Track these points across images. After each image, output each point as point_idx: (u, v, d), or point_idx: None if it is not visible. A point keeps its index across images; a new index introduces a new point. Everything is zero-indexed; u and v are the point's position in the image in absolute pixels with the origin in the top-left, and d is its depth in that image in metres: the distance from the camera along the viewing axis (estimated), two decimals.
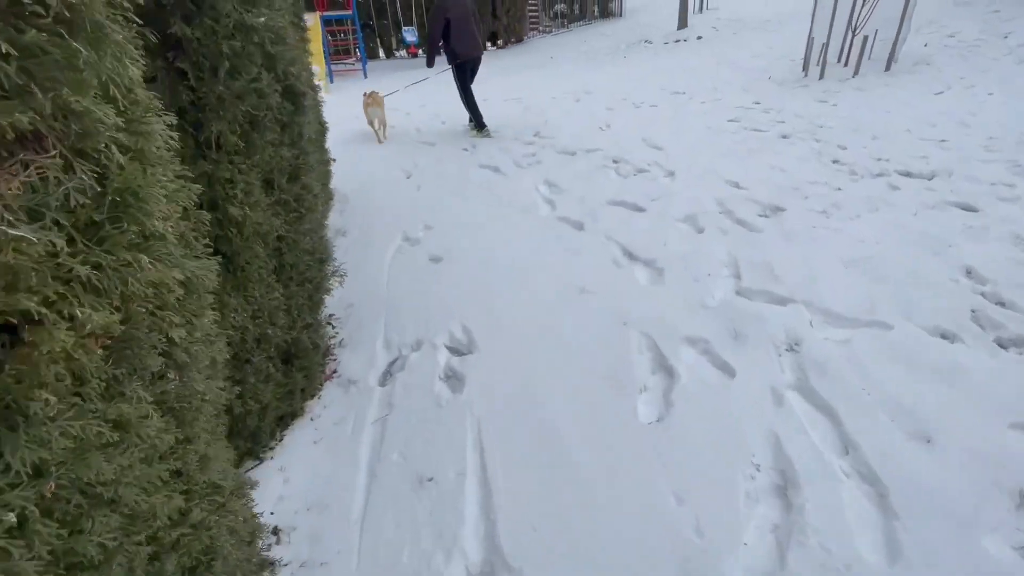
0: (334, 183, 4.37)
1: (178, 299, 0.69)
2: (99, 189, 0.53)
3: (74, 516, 0.54)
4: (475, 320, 2.47)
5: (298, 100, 1.82)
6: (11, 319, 0.48)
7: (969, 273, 2.40)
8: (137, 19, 0.69)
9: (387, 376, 2.21)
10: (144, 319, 0.62)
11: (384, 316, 2.61)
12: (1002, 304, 2.18)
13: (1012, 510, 1.42)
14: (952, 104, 4.71)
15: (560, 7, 17.75)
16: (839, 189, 3.39)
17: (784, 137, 4.57)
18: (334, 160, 4.35)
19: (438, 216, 3.71)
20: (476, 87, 5.94)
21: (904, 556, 1.34)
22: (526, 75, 10.74)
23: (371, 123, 5.97)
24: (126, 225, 0.56)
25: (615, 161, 4.43)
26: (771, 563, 1.38)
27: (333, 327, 2.58)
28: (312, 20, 10.33)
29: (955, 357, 1.94)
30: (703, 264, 2.73)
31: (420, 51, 14.19)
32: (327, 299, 2.52)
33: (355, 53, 13.48)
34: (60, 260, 0.49)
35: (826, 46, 6.38)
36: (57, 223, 0.49)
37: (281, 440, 1.86)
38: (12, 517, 0.48)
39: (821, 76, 6.32)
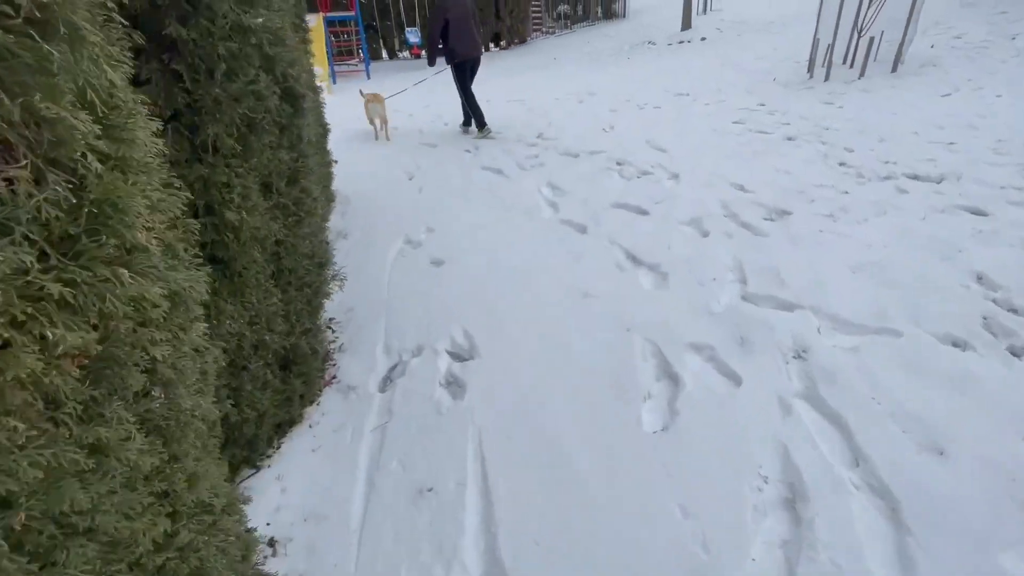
0: (336, 185, 4.35)
1: (164, 313, 0.65)
2: (75, 200, 0.50)
3: (47, 548, 0.51)
4: (477, 325, 2.44)
5: (297, 102, 1.80)
6: None
7: (980, 279, 2.36)
8: (123, 20, 0.65)
9: (387, 382, 2.18)
10: (125, 336, 0.59)
11: (385, 320, 2.58)
12: (1014, 311, 2.13)
13: None
14: (960, 106, 4.66)
15: (563, 8, 17.73)
16: (846, 192, 3.34)
17: (789, 139, 4.53)
18: (336, 162, 4.33)
19: (440, 218, 3.68)
20: (479, 88, 5.93)
21: (917, 572, 1.30)
22: (529, 76, 10.72)
23: (371, 120, 6.00)
24: (105, 238, 0.53)
25: (618, 163, 4.39)
26: None
27: (333, 331, 2.55)
28: (315, 21, 10.33)
29: (967, 365, 1.90)
30: (708, 268, 2.69)
31: (423, 52, 14.18)
32: (327, 303, 2.49)
33: (358, 54, 13.48)
34: (30, 278, 0.46)
35: (831, 47, 6.33)
36: (28, 238, 0.46)
37: (279, 448, 1.83)
38: None
39: (826, 78, 6.28)
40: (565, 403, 1.94)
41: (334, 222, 3.83)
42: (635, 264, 2.86)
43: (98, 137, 0.53)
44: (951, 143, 3.90)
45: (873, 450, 1.61)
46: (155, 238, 0.63)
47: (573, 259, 2.96)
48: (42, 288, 0.46)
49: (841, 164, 3.83)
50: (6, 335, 0.44)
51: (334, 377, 2.20)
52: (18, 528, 0.48)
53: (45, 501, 0.49)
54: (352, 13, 12.21)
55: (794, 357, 2.04)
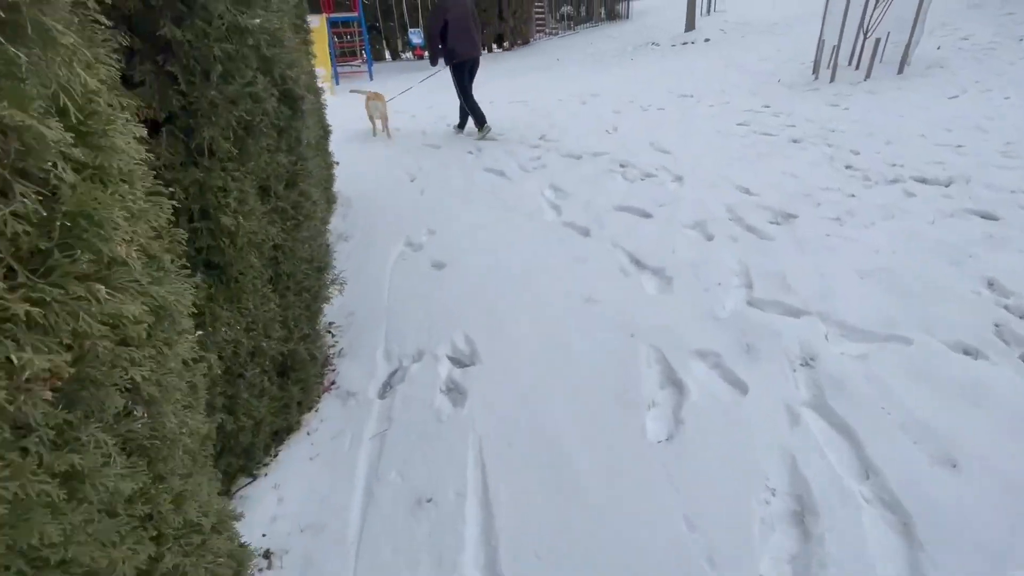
0: (337, 186, 4.32)
1: (147, 328, 0.62)
2: (45, 213, 0.47)
3: None
4: (478, 329, 2.41)
5: (296, 104, 1.77)
6: None
7: (991, 285, 2.31)
8: (105, 20, 0.62)
9: (387, 388, 2.15)
10: (103, 355, 0.56)
11: (385, 325, 2.55)
12: None
13: None
14: (967, 108, 4.61)
15: (566, 9, 17.71)
16: (853, 196, 3.30)
17: (795, 141, 4.49)
18: (337, 163, 4.30)
19: (441, 221, 3.64)
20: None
21: None
22: (532, 77, 10.69)
23: (371, 117, 6.07)
24: (79, 253, 0.50)
25: (622, 165, 4.36)
26: None
27: (333, 335, 2.52)
28: (318, 22, 10.33)
29: (979, 374, 1.85)
30: (713, 273, 2.65)
31: (426, 53, 14.18)
32: (327, 307, 2.46)
33: (361, 55, 13.47)
34: None
35: (837, 48, 6.28)
36: None
37: (276, 456, 1.80)
38: None
39: (832, 79, 6.23)
40: (567, 411, 1.90)
41: (335, 224, 3.81)
42: (639, 268, 2.82)
43: (73, 145, 0.50)
44: (959, 145, 3.86)
45: (883, 462, 1.57)
46: (137, 250, 0.60)
47: (576, 262, 2.92)
48: (7, 308, 0.44)
49: (847, 167, 3.78)
50: None
51: (333, 383, 2.16)
52: None
53: (11, 535, 0.46)
54: (355, 14, 12.20)
55: (801, 365, 2.00)
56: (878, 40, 6.03)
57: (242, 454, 1.63)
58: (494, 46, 15.99)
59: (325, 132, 3.86)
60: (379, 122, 6.11)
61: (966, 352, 1.98)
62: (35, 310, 0.45)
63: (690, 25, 12.90)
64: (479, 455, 1.74)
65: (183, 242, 0.83)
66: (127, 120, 0.67)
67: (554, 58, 13.21)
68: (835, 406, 1.78)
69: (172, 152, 1.32)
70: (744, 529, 1.43)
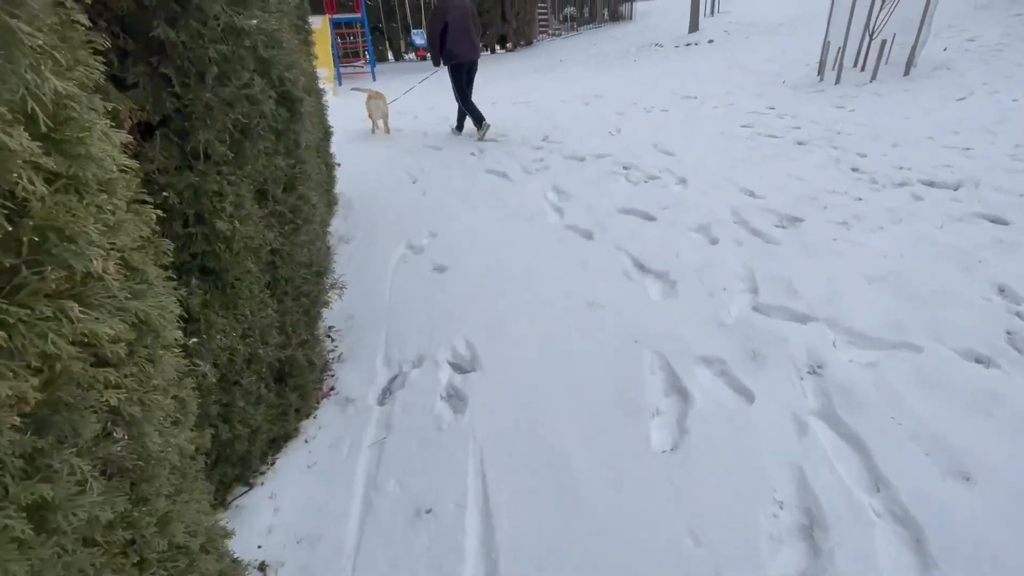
0: (339, 187, 4.30)
1: (129, 344, 0.59)
2: (11, 228, 0.44)
3: None
4: (479, 334, 2.37)
5: (295, 106, 1.74)
6: None
7: (1002, 291, 2.27)
8: (84, 20, 0.59)
9: (386, 394, 2.11)
10: (78, 376, 0.53)
11: (385, 329, 2.52)
12: None
13: None
14: (975, 110, 4.56)
15: (570, 10, 17.68)
16: (859, 199, 3.26)
17: (800, 144, 4.44)
18: (339, 164, 4.28)
19: (443, 223, 3.61)
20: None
21: None
22: (535, 78, 10.66)
23: (371, 116, 6.19)
24: (49, 269, 0.47)
25: (625, 167, 4.32)
26: None
27: (332, 340, 2.49)
28: (321, 23, 10.32)
29: (991, 384, 1.81)
30: (718, 277, 2.61)
31: (429, 54, 14.18)
32: (327, 311, 2.43)
33: (364, 56, 13.47)
34: None
35: (842, 50, 6.24)
36: None
37: (273, 464, 1.76)
38: None
39: (837, 81, 6.18)
40: (570, 419, 1.86)
41: (336, 226, 3.78)
42: (642, 272, 2.78)
43: (47, 154, 0.46)
44: (967, 148, 3.81)
45: (894, 474, 1.53)
46: (117, 263, 0.57)
47: (578, 266, 2.89)
48: None
49: (854, 169, 3.74)
50: None
51: (332, 389, 2.13)
52: None
53: None
54: (358, 15, 12.20)
55: (809, 372, 1.96)
56: (884, 41, 5.98)
57: (238, 463, 1.60)
58: (497, 47, 15.98)
59: (326, 133, 3.83)
60: (380, 121, 6.18)
61: (977, 360, 1.93)
62: None
63: (694, 26, 12.85)
64: (479, 464, 1.71)
65: (169, 253, 0.80)
66: (110, 126, 0.64)
67: (557, 59, 13.18)
68: (844, 415, 1.74)
69: (166, 156, 1.29)
70: (751, 544, 1.39)
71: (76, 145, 0.50)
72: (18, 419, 0.47)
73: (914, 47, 5.86)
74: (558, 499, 1.58)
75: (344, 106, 7.46)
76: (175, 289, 1.32)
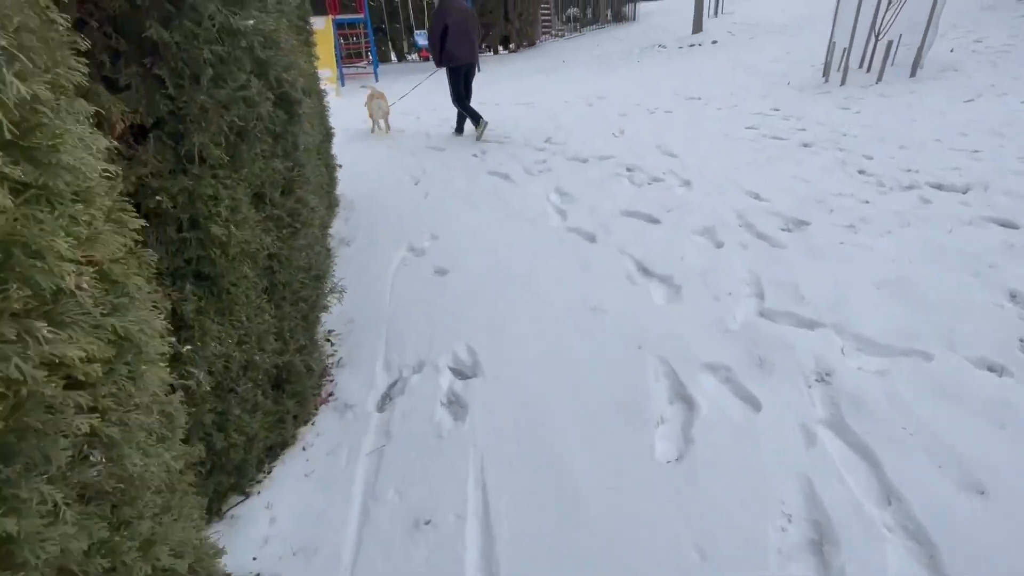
0: (340, 189, 4.28)
1: (109, 361, 0.56)
2: None
3: None
4: (480, 339, 2.34)
5: (293, 108, 1.71)
6: None
7: (1014, 297, 2.22)
8: (61, 19, 0.56)
9: (386, 400, 2.08)
10: (49, 399, 0.49)
11: (385, 333, 2.48)
12: None
13: None
14: (984, 112, 4.51)
15: (573, 11, 17.64)
16: (867, 202, 3.21)
17: (805, 145, 4.39)
18: (340, 166, 4.25)
19: (445, 225, 3.58)
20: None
21: None
22: (538, 79, 10.63)
23: (372, 116, 6.26)
24: (14, 288, 0.43)
25: (628, 169, 4.28)
26: None
27: (332, 344, 2.46)
28: (324, 24, 10.31)
29: (1004, 393, 1.77)
30: (723, 282, 2.57)
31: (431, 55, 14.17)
32: (326, 314, 2.40)
33: (367, 57, 13.46)
34: None
35: (848, 51, 6.18)
36: None
37: (270, 473, 1.73)
38: None
39: (843, 82, 6.13)
40: (572, 427, 1.83)
41: (337, 228, 3.76)
42: (646, 276, 2.75)
43: (14, 163, 0.43)
44: (976, 151, 3.76)
45: (906, 487, 1.49)
46: (93, 276, 0.54)
47: (581, 269, 2.85)
48: None
49: (860, 172, 3.69)
50: None
51: (331, 394, 2.10)
52: None
53: None
54: (361, 16, 12.18)
55: (817, 380, 1.92)
56: (890, 42, 5.93)
57: (233, 472, 1.57)
58: (500, 48, 15.95)
59: (328, 134, 3.81)
60: (381, 121, 6.27)
61: (990, 369, 1.89)
62: None
63: (697, 27, 12.80)
64: (480, 474, 1.67)
65: (153, 263, 0.76)
66: (90, 131, 0.61)
67: (560, 60, 13.14)
68: (853, 425, 1.70)
69: (160, 159, 1.26)
70: (759, 559, 1.36)
71: (47, 153, 0.47)
72: None
73: (920, 48, 5.80)
74: (560, 510, 1.54)
75: (346, 107, 7.44)
76: (167, 295, 1.29)
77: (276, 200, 1.69)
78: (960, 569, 1.28)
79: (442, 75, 5.76)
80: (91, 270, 0.55)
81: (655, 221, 3.31)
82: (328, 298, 2.19)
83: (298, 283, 1.85)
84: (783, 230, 3.01)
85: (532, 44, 16.16)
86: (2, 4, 0.44)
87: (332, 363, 2.30)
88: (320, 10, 11.40)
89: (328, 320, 2.54)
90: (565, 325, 2.39)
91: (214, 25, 1.26)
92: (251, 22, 1.38)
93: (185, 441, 1.33)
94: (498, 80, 10.96)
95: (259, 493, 1.67)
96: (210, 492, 1.49)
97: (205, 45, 1.24)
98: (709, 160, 4.29)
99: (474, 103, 5.96)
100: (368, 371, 2.23)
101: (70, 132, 0.50)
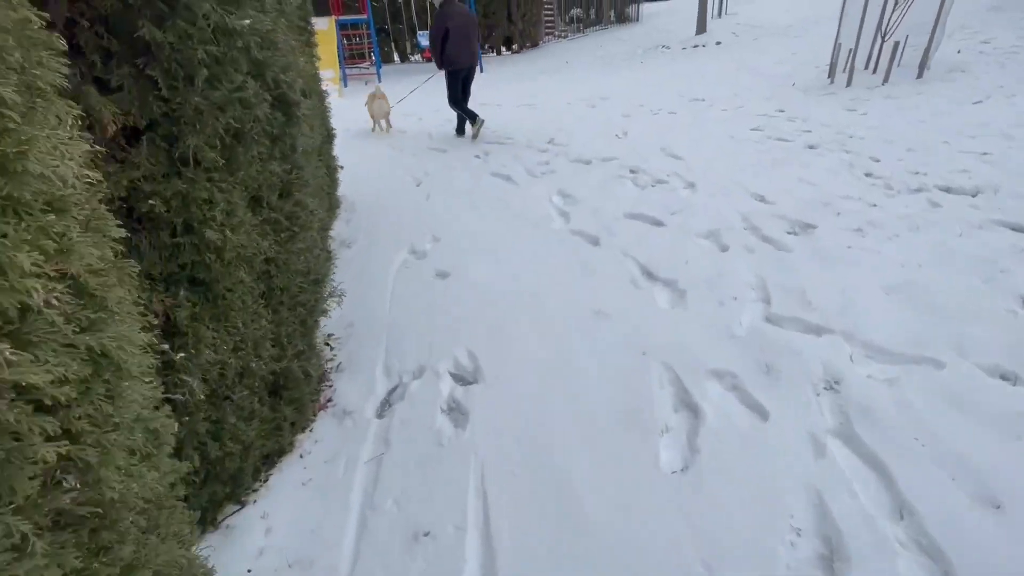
0: (341, 190, 4.25)
1: (83, 381, 0.52)
2: None
3: None
4: (481, 344, 2.30)
5: (291, 110, 1.67)
6: None
7: None
8: (35, 16, 0.53)
9: (385, 406, 2.04)
10: (16, 427, 0.46)
11: (385, 337, 2.45)
12: None
13: None
14: (992, 114, 4.45)
15: (576, 12, 17.61)
16: (874, 205, 3.16)
17: (811, 147, 4.35)
18: (342, 167, 4.23)
19: (447, 227, 3.55)
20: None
21: None
22: (541, 80, 10.60)
23: (373, 116, 6.33)
24: None
25: (632, 171, 4.24)
26: None
27: (331, 348, 2.43)
28: (327, 24, 10.31)
29: (1019, 403, 1.72)
30: (728, 286, 2.53)
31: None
32: (326, 318, 2.37)
33: (370, 57, 13.45)
34: None
35: (854, 52, 6.13)
36: None
37: (266, 481, 1.70)
38: None
39: (848, 83, 6.08)
40: (575, 434, 1.79)
41: (338, 230, 3.73)
42: (650, 280, 2.71)
43: None
44: (985, 153, 3.70)
45: (919, 500, 1.44)
46: (64, 291, 0.50)
47: (584, 273, 2.81)
48: None
49: (867, 174, 3.64)
50: None
51: (329, 400, 2.07)
52: None
53: None
54: (364, 16, 12.18)
55: (825, 388, 1.87)
56: (896, 43, 5.87)
57: (229, 481, 1.54)
58: (503, 48, 15.93)
59: (329, 135, 3.78)
60: (382, 120, 6.36)
61: (1003, 377, 1.84)
62: None
63: (701, 28, 12.76)
64: (480, 484, 1.63)
65: (134, 276, 0.73)
66: (70, 136, 0.58)
67: (563, 61, 13.12)
68: (863, 435, 1.66)
69: (153, 162, 1.23)
70: (768, 574, 1.31)
71: (12, 161, 0.44)
72: None
73: (927, 49, 5.74)
74: (562, 522, 1.50)
75: (349, 107, 7.42)
76: (161, 302, 1.26)
77: (274, 203, 1.65)
78: None
79: (443, 76, 5.77)
80: (62, 285, 0.51)
81: (659, 224, 3.28)
82: (327, 302, 2.15)
83: (296, 287, 1.81)
84: (789, 233, 2.97)
85: (535, 45, 16.13)
86: None
87: (331, 368, 2.27)
88: (323, 11, 11.41)
89: (327, 324, 2.51)
90: (568, 330, 2.35)
91: (209, 25, 1.23)
92: (247, 22, 1.35)
93: (178, 451, 1.30)
94: (501, 81, 10.93)
95: (255, 502, 1.63)
96: (204, 502, 1.46)
97: (200, 45, 1.21)
98: (713, 162, 4.25)
99: (477, 103, 5.97)
100: (368, 376, 2.20)
101: (40, 138, 0.47)
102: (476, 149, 5.38)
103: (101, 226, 0.61)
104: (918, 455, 1.57)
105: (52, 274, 0.49)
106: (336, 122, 4.07)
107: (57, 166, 0.49)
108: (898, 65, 5.93)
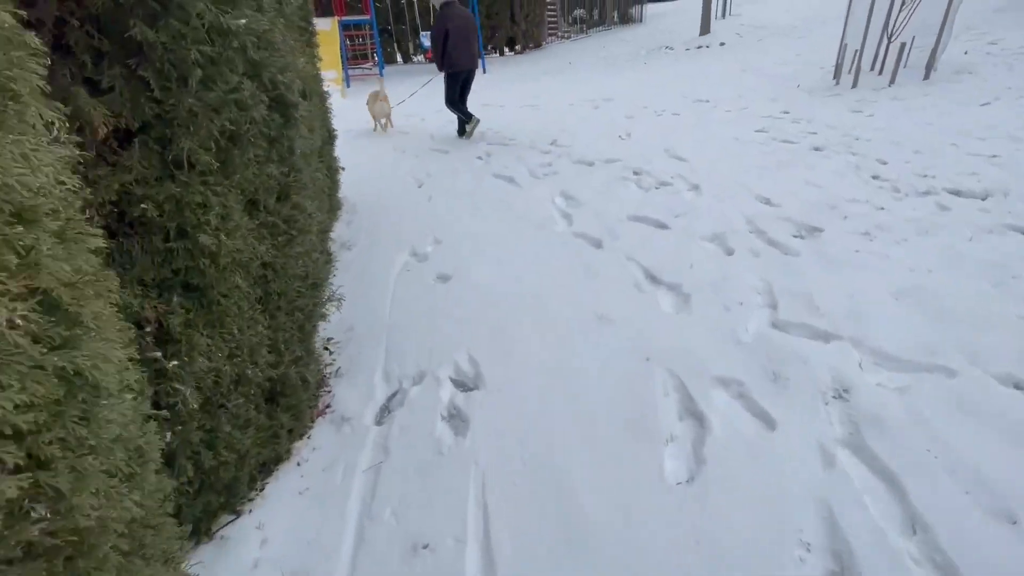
0: (343, 192, 4.23)
1: (55, 403, 0.49)
2: None
3: None
4: (482, 349, 2.27)
5: (288, 112, 1.64)
6: None
7: None
8: (10, 16, 0.49)
9: (384, 413, 2.01)
10: None
11: (385, 341, 2.42)
12: None
13: None
14: (1001, 116, 4.40)
15: (579, 12, 17.57)
16: (882, 208, 3.12)
17: (817, 149, 4.30)
18: (343, 168, 4.20)
19: (448, 229, 3.51)
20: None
21: None
22: (544, 81, 10.57)
23: (375, 117, 6.41)
24: None
25: (636, 173, 4.20)
26: None
27: (330, 352, 2.39)
28: (330, 25, 10.30)
29: None
30: (734, 290, 2.48)
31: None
32: (326, 322, 2.34)
33: (373, 58, 13.45)
34: None
35: (859, 53, 6.08)
36: None
37: (262, 490, 1.66)
38: None
39: (854, 84, 6.02)
40: (578, 443, 1.75)
41: (339, 232, 3.70)
42: (654, 284, 2.67)
43: None
44: (994, 156, 3.65)
45: (932, 514, 1.40)
46: (35, 309, 0.47)
47: (587, 276, 2.77)
48: None
49: (874, 177, 3.59)
50: None
51: (328, 406, 2.03)
52: None
53: None
54: (367, 17, 12.17)
55: (834, 397, 1.83)
56: (903, 44, 5.82)
57: (223, 490, 1.50)
58: (506, 49, 15.91)
59: (330, 136, 3.75)
60: (383, 120, 6.44)
61: (1017, 386, 1.80)
62: None
63: (705, 29, 12.70)
64: (481, 494, 1.60)
65: (114, 290, 0.69)
66: (46, 142, 0.54)
67: (566, 62, 13.08)
68: (874, 446, 1.62)
69: (145, 165, 1.20)
70: None
71: None
72: None
73: (934, 50, 5.69)
74: (565, 535, 1.46)
75: (352, 108, 7.41)
76: (155, 308, 1.22)
77: (271, 207, 1.62)
78: None
79: (429, 82, 5.85)
80: (30, 302, 0.48)
81: (663, 226, 3.24)
82: (326, 306, 2.12)
83: (294, 292, 1.78)
84: (795, 237, 2.93)
85: (538, 46, 16.10)
86: None
87: (330, 373, 2.23)
88: (327, 11, 11.40)
89: (327, 328, 2.47)
90: (570, 334, 2.31)
91: (203, 24, 1.20)
92: (243, 21, 1.31)
93: (170, 461, 1.27)
94: (504, 82, 10.91)
95: (251, 512, 1.60)
96: (198, 513, 1.43)
97: (193, 45, 1.18)
98: (718, 164, 4.20)
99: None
100: (367, 382, 2.16)
101: (4, 144, 0.44)
102: (478, 150, 5.34)
103: (77, 236, 0.58)
104: (930, 467, 1.53)
105: (18, 291, 0.46)
106: (338, 123, 4.04)
107: (24, 174, 0.46)
108: (904, 66, 5.88)
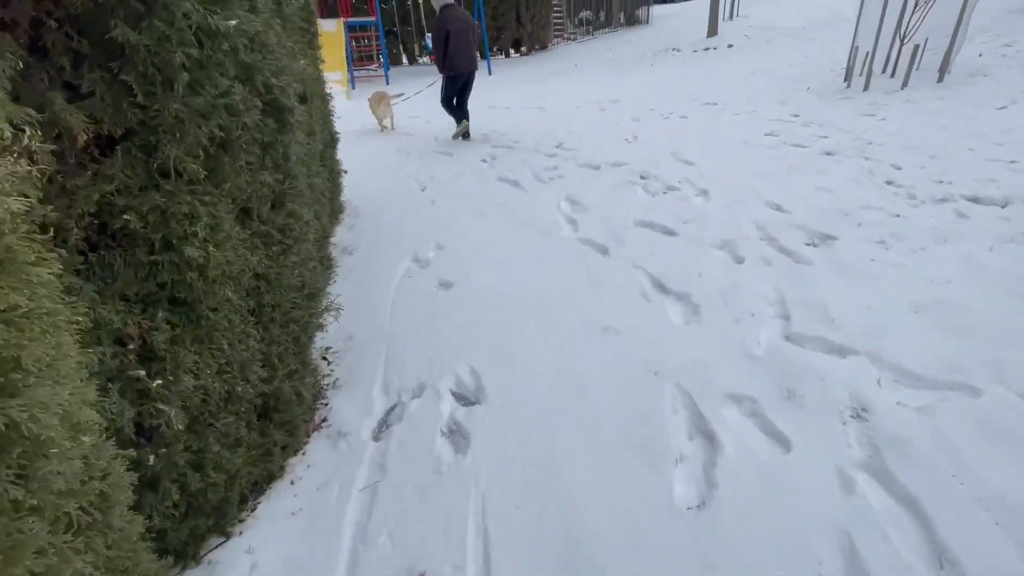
0: (345, 195, 4.17)
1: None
2: None
3: None
4: (484, 361, 2.20)
5: (283, 116, 1.58)
6: None
7: None
8: None
9: (383, 428, 1.94)
10: None
11: (385, 352, 2.35)
12: None
13: None
14: (1018, 120, 4.28)
15: (585, 14, 17.49)
16: (897, 216, 3.02)
17: (828, 154, 4.20)
18: (345, 172, 4.14)
19: (451, 235, 3.45)
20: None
21: None
22: (550, 83, 10.50)
23: (379, 119, 6.49)
24: None
25: (642, 177, 4.12)
26: None
27: (328, 362, 2.33)
28: (336, 26, 10.27)
29: None
30: (745, 301, 2.40)
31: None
32: (324, 332, 2.27)
33: (378, 59, 13.42)
34: None
35: (871, 55, 5.97)
36: None
37: (254, 511, 1.60)
38: None
39: (866, 87, 5.92)
40: (583, 464, 1.68)
41: (341, 236, 3.64)
42: (662, 293, 2.59)
43: None
44: (1013, 161, 3.55)
45: (960, 547, 1.32)
46: None
47: (593, 285, 2.70)
48: None
49: (888, 183, 3.50)
50: None
51: (324, 420, 1.97)
52: None
53: None
54: (373, 18, 12.14)
55: (852, 416, 1.75)
56: (916, 46, 5.70)
57: (212, 512, 1.44)
58: (511, 51, 15.85)
59: (332, 139, 3.70)
60: (387, 121, 6.52)
61: None
62: None
63: (712, 30, 12.59)
64: (481, 519, 1.52)
65: (72, 320, 0.63)
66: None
67: (572, 63, 13.01)
68: (896, 471, 1.53)
69: (128, 174, 1.14)
70: None
71: None
72: None
73: (948, 52, 5.58)
74: (569, 563, 1.39)
75: (356, 110, 7.37)
76: (138, 324, 1.16)
77: (264, 215, 1.56)
78: None
79: (430, 85, 5.82)
80: None
81: (671, 233, 3.15)
82: (324, 317, 2.05)
83: (289, 303, 1.72)
84: (808, 245, 2.84)
85: (544, 47, 16.04)
86: None
87: (328, 384, 2.17)
88: (332, 12, 11.39)
89: (325, 337, 2.41)
90: (575, 346, 2.24)
91: (190, 26, 1.14)
92: (234, 22, 1.25)
93: (154, 484, 1.20)
94: (509, 83, 10.85)
95: (241, 534, 1.53)
96: (185, 537, 1.36)
97: (179, 48, 1.12)
98: (727, 168, 4.11)
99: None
100: (365, 394, 2.09)
101: None
102: (483, 153, 5.28)
103: (18, 268, 0.51)
104: (958, 495, 1.45)
105: None
106: (342, 125, 3.99)
107: None
108: (917, 68, 5.76)
